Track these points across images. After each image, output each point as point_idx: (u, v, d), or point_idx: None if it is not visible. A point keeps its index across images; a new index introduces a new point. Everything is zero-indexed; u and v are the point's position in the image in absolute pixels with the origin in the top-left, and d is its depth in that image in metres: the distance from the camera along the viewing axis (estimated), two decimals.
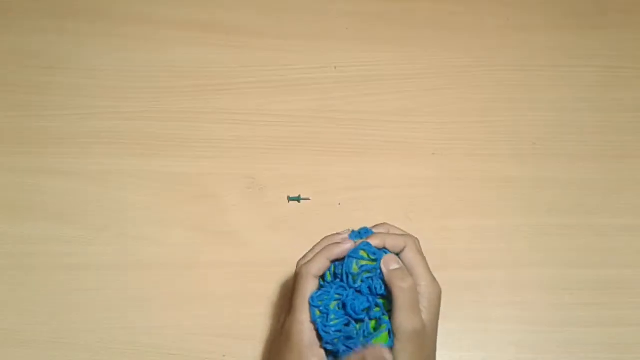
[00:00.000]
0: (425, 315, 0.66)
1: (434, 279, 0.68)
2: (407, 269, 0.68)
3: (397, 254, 0.69)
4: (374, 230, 0.70)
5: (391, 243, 0.69)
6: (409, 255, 0.69)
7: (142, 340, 0.79)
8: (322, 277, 0.70)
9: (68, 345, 0.78)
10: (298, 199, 0.86)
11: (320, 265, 0.69)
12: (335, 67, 0.92)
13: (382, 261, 0.68)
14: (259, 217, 0.85)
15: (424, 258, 0.69)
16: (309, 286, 0.68)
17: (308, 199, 0.86)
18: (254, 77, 0.91)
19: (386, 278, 0.67)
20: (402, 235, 0.70)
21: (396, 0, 0.96)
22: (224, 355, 0.79)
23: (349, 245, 0.69)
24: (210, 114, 0.90)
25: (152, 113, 0.89)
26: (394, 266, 0.68)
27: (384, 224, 0.72)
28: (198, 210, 0.85)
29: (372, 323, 0.67)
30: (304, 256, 0.71)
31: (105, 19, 0.93)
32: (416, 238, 0.70)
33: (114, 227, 0.83)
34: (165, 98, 0.90)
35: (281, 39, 0.94)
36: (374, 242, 0.69)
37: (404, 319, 0.65)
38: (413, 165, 0.89)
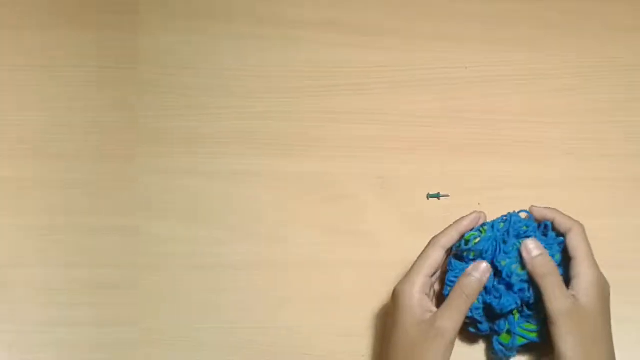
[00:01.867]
0: (583, 298, 0.68)
1: (596, 265, 0.69)
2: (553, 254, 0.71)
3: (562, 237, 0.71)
4: (545, 211, 0.73)
5: (560, 220, 0.72)
6: (576, 238, 0.70)
7: (276, 341, 0.80)
8: (461, 257, 0.73)
9: (201, 345, 0.79)
10: (438, 196, 0.85)
11: (449, 237, 0.72)
12: (466, 68, 0.92)
13: (522, 245, 0.70)
14: (392, 217, 0.85)
15: (589, 245, 0.70)
16: (433, 254, 0.71)
17: (447, 196, 0.85)
18: (387, 77, 0.91)
19: (528, 266, 0.69)
20: (571, 218, 0.72)
21: (526, 1, 0.96)
22: (362, 356, 0.80)
23: (474, 215, 0.73)
24: (343, 114, 0.90)
25: (284, 113, 0.89)
26: (535, 253, 0.70)
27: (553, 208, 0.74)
28: (330, 210, 0.85)
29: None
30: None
31: (240, 20, 0.94)
32: (583, 226, 0.71)
33: (246, 228, 0.84)
34: (298, 98, 0.90)
35: (413, 38, 0.94)
36: (546, 213, 0.73)
37: (551, 301, 0.68)
38: (546, 166, 0.88)
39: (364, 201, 0.86)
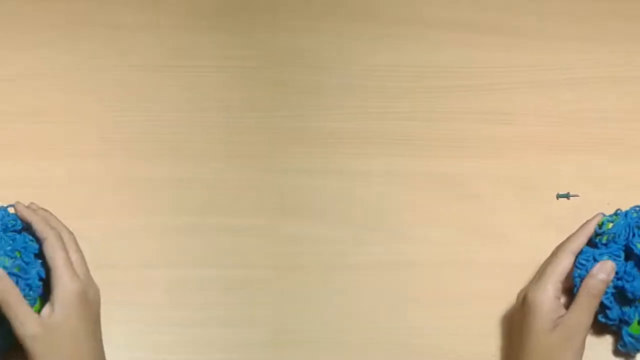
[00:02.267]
0: None
1: None
2: None
3: None
4: None
5: None
6: None
7: (413, 340, 0.80)
8: (592, 242, 0.74)
9: (338, 345, 0.80)
10: (567, 196, 0.84)
11: (578, 243, 0.73)
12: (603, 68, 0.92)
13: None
14: (527, 217, 0.85)
15: None
16: (564, 261, 0.72)
17: (577, 196, 0.84)
18: (521, 77, 0.91)
19: None
20: None
21: None
22: (493, 355, 0.79)
23: (599, 217, 0.75)
24: (479, 114, 0.90)
25: (421, 113, 0.90)
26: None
27: None
28: (462, 210, 0.85)
29: None
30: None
31: (376, 20, 0.95)
32: None
33: (384, 227, 0.85)
34: (434, 98, 0.91)
35: (544, 40, 0.94)
36: None
37: None
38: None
39: (496, 201, 0.86)
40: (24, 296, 0.69)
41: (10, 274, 0.69)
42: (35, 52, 0.91)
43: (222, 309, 0.80)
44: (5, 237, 0.72)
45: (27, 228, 0.74)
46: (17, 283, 0.69)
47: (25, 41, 0.91)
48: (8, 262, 0.69)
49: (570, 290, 0.74)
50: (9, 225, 0.73)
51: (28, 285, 0.70)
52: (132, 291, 0.80)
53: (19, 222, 0.74)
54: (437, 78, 0.92)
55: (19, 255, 0.71)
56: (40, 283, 0.71)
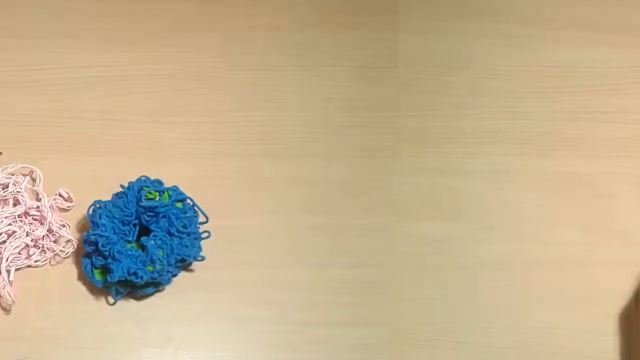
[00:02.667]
0: None
1: None
2: None
3: None
4: None
5: None
6: None
7: (528, 340, 0.80)
8: None
9: (459, 345, 0.79)
10: None
11: None
12: (82, 67, 0.91)
13: None
14: None
15: None
16: None
17: None
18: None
19: None
20: None
21: None
22: (615, 353, 0.79)
23: None
24: (602, 114, 0.89)
25: (543, 112, 0.89)
26: None
27: None
28: (591, 210, 0.85)
29: None
30: None
31: (505, 20, 0.94)
32: None
33: (507, 227, 0.84)
34: (556, 98, 0.90)
35: None
36: None
37: None
38: (166, 167, 0.85)
39: (622, 201, 0.85)
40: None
41: None
42: (169, 53, 0.93)
43: (346, 308, 0.81)
44: None
45: None
46: None
47: (161, 41, 0.93)
48: None
49: None
50: None
51: None
52: (259, 290, 0.81)
53: None
54: (561, 78, 0.91)
55: None
56: None
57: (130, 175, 0.81)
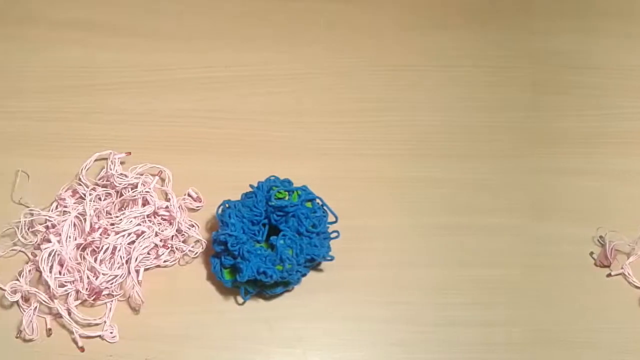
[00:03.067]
0: None
1: None
2: None
3: None
4: None
5: None
6: None
7: None
8: None
9: (593, 345, 0.78)
10: None
11: None
12: (225, 67, 0.93)
13: None
14: None
15: None
16: None
17: None
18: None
19: None
20: None
21: None
22: None
23: None
24: None
25: None
26: None
27: None
28: None
29: None
30: None
31: (630, 18, 0.95)
32: None
33: (635, 227, 0.83)
34: None
35: None
36: None
37: None
38: (303, 166, 0.86)
39: None
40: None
41: None
42: (307, 52, 0.94)
43: (481, 307, 0.80)
44: None
45: None
46: None
47: (299, 41, 0.95)
48: None
49: None
50: None
51: None
52: (389, 290, 0.80)
53: None
54: None
55: None
56: None
57: (259, 175, 0.81)
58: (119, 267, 0.77)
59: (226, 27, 0.96)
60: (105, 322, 0.76)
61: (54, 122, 0.88)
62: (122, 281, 0.78)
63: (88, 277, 0.76)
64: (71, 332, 0.75)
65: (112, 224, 0.79)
